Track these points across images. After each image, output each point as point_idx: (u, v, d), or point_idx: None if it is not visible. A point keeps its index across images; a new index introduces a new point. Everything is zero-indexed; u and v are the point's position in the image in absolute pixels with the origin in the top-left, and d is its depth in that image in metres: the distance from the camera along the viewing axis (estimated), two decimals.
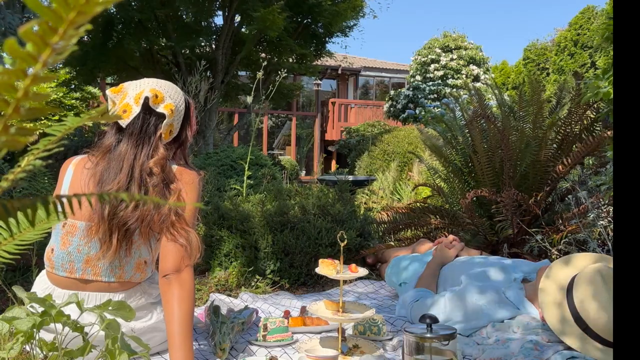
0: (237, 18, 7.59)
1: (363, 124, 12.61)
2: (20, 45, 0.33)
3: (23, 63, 0.33)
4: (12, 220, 0.40)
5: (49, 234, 1.47)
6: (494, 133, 2.62)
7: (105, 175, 1.39)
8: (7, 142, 0.35)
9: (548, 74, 14.19)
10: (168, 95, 1.44)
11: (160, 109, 1.42)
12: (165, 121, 1.42)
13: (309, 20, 7.86)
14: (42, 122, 9.34)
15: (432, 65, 13.18)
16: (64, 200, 0.40)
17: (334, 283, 2.49)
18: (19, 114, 0.35)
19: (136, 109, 1.40)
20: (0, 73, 0.33)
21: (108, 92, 1.46)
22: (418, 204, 3.04)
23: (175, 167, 1.46)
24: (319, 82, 15.07)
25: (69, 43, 0.33)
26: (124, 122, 1.40)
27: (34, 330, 1.08)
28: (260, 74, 3.66)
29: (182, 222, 1.37)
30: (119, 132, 1.43)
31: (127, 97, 1.42)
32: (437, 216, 2.85)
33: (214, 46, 7.81)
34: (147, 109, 1.42)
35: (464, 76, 12.86)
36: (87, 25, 0.33)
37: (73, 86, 9.04)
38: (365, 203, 5.04)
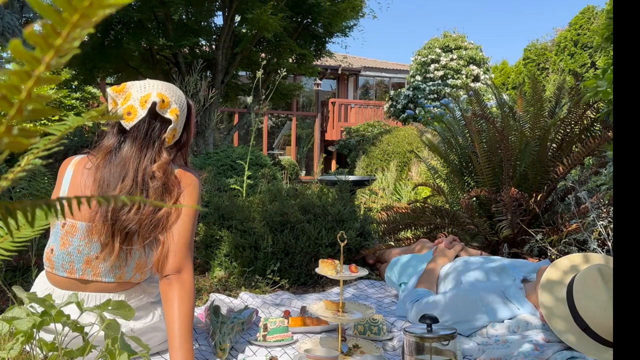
0: (237, 18, 7.59)
1: (363, 124, 12.61)
2: (24, 46, 0.33)
3: (27, 65, 0.33)
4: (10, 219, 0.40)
5: (47, 231, 1.47)
6: (493, 133, 2.63)
7: (109, 179, 1.39)
8: (10, 143, 0.35)
9: (548, 74, 14.20)
10: (173, 100, 1.45)
11: (167, 114, 1.42)
12: (170, 126, 1.43)
13: (308, 20, 7.85)
14: (42, 122, 9.34)
15: (432, 65, 13.17)
16: (65, 202, 0.40)
17: (334, 283, 2.49)
18: (22, 115, 0.35)
19: (142, 113, 1.40)
20: (5, 74, 0.33)
21: (109, 90, 1.46)
22: (418, 204, 3.04)
23: (176, 170, 1.46)
24: (319, 82, 15.08)
25: (71, 46, 0.33)
26: (127, 125, 1.40)
27: (34, 330, 1.08)
28: (259, 74, 3.65)
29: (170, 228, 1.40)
30: (121, 133, 1.43)
31: (131, 98, 1.41)
32: (437, 216, 2.85)
33: (214, 46, 7.81)
34: (153, 114, 1.42)
35: (464, 76, 12.85)
36: (90, 29, 0.33)
37: (73, 86, 9.03)
38: (365, 203, 5.04)
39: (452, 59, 13.08)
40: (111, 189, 1.38)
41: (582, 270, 1.57)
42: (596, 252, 1.97)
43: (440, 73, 12.98)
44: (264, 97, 6.67)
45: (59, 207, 0.40)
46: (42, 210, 0.39)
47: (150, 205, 1.37)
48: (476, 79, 12.94)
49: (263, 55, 7.85)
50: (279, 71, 4.34)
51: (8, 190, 2.89)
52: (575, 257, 1.68)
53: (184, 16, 7.60)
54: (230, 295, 2.27)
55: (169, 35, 7.04)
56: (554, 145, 2.65)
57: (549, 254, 2.23)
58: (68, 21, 0.32)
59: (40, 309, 1.11)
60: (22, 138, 0.35)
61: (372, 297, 2.32)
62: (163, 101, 1.41)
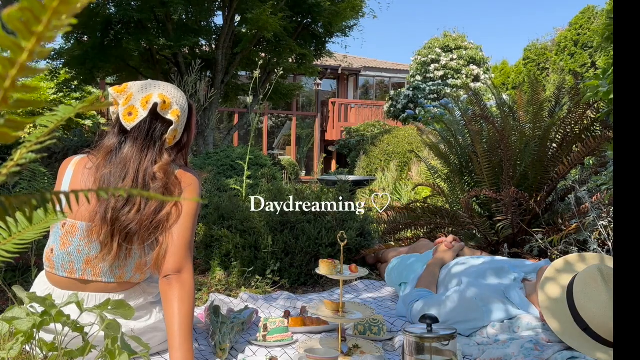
0: (237, 18, 7.59)
1: (363, 124, 12.61)
2: (5, 32, 0.32)
3: (10, 52, 0.32)
4: (10, 220, 0.39)
5: (48, 233, 1.47)
6: (493, 133, 2.63)
7: (109, 179, 1.39)
8: None
9: (548, 74, 14.19)
10: (175, 101, 1.45)
11: (168, 115, 1.42)
12: (171, 127, 1.43)
13: (309, 20, 7.85)
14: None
15: (432, 65, 13.18)
16: (63, 197, 0.40)
17: (334, 283, 2.49)
18: (7, 104, 0.34)
19: (143, 113, 1.40)
20: None
21: (110, 90, 1.46)
22: (418, 204, 3.04)
23: (177, 171, 1.46)
24: (319, 82, 15.07)
25: (53, 34, 0.33)
26: (128, 125, 1.40)
27: (34, 330, 1.08)
28: (257, 73, 3.65)
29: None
30: (122, 133, 1.43)
31: (133, 99, 1.42)
32: (437, 216, 2.85)
33: (214, 46, 7.81)
34: (154, 115, 1.42)
35: (464, 76, 12.85)
36: (72, 19, 0.33)
37: (73, 86, 9.03)
38: (365, 203, 5.03)
39: (452, 59, 13.08)
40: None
41: (583, 270, 1.57)
42: (596, 252, 1.97)
43: (441, 73, 12.98)
44: (261, 96, 6.68)
45: (57, 202, 0.39)
46: (38, 204, 0.38)
47: (149, 206, 1.37)
48: (476, 79, 12.94)
49: (263, 55, 7.85)
50: (275, 70, 4.35)
51: (8, 191, 2.89)
52: (575, 258, 1.68)
53: (184, 16, 7.60)
54: (230, 295, 2.27)
55: (169, 35, 7.04)
56: (554, 145, 2.65)
57: (549, 254, 2.23)
58: (48, 7, 0.31)
59: (40, 309, 1.11)
60: (8, 129, 0.35)
61: (371, 297, 2.32)
62: (164, 102, 1.41)
